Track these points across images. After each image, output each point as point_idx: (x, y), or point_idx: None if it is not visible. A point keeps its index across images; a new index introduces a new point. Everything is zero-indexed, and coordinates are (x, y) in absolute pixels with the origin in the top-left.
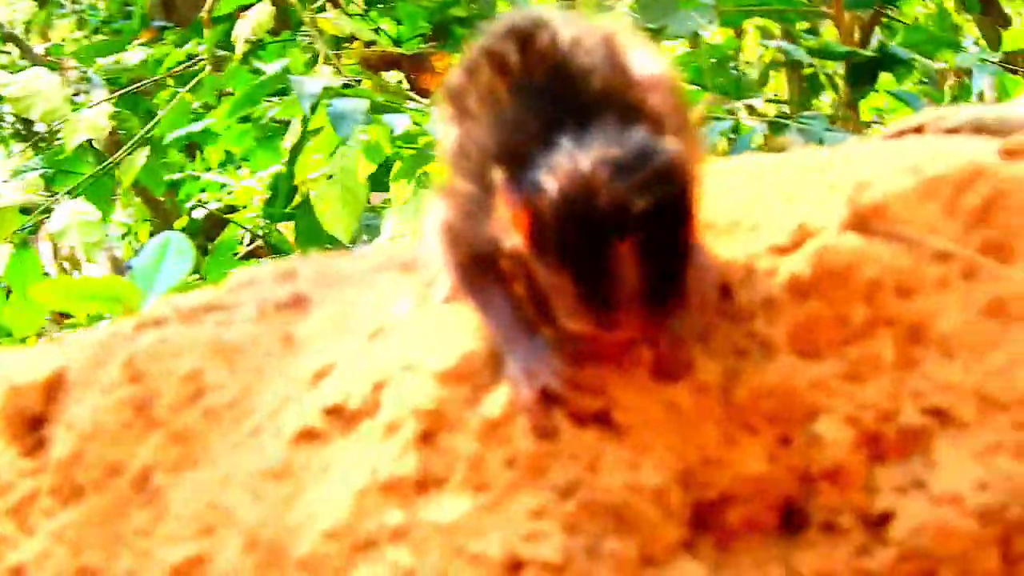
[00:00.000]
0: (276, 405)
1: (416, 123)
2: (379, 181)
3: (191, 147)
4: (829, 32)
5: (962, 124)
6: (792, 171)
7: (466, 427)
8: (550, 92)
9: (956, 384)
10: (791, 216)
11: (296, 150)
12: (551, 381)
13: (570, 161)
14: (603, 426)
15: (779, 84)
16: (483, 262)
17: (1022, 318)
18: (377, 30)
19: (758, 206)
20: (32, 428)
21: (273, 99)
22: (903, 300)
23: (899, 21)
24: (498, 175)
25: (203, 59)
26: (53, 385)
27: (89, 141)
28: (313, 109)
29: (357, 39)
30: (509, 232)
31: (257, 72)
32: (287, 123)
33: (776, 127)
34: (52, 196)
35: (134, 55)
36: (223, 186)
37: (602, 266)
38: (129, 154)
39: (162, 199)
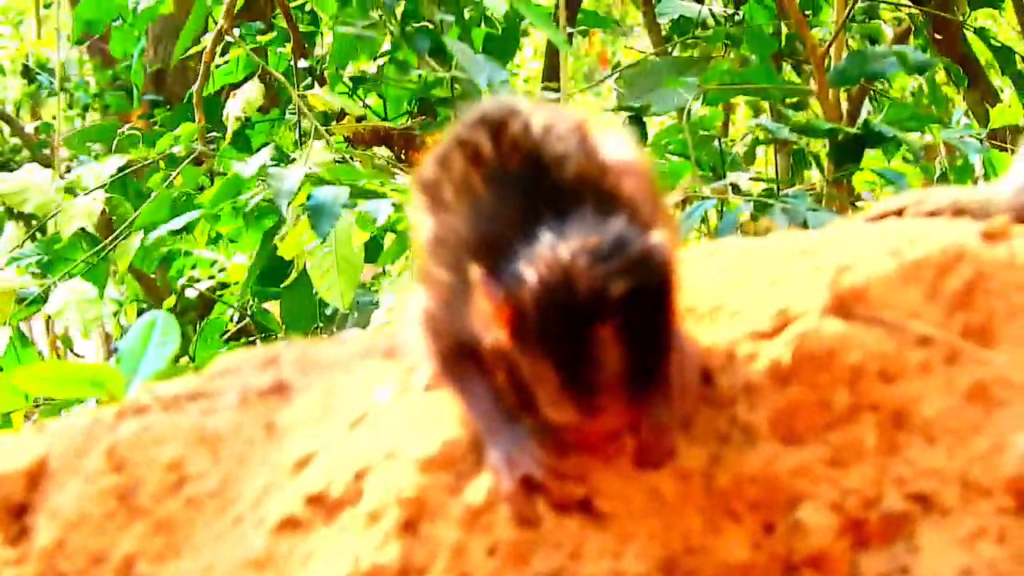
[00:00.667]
0: (259, 494)
1: (402, 205)
2: (374, 250)
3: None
4: (816, 107)
5: (942, 207)
6: (775, 254)
7: (448, 515)
8: (525, 181)
9: (939, 470)
10: (773, 300)
11: (270, 234)
12: (533, 470)
13: (549, 251)
14: (586, 514)
15: (767, 159)
16: (463, 351)
17: (1004, 402)
18: (365, 105)
19: (740, 290)
20: (15, 517)
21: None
22: (886, 385)
23: (886, 96)
24: (476, 271)
25: (194, 142)
26: (35, 473)
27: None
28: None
29: (346, 115)
30: (489, 325)
31: (247, 150)
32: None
33: (760, 207)
34: (46, 280)
35: (129, 137)
36: (214, 263)
37: (583, 352)
38: (123, 239)
39: (153, 276)
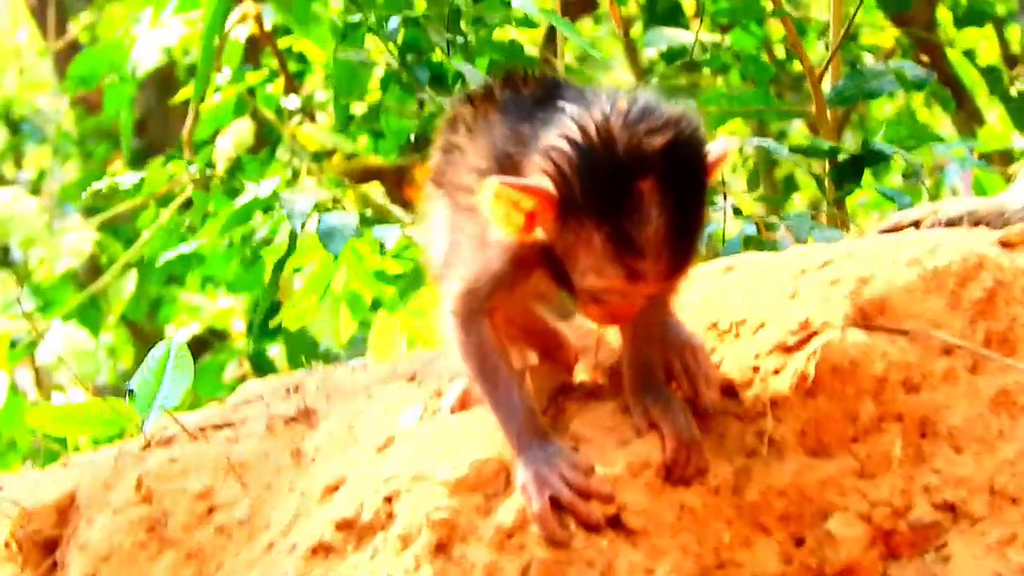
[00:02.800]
0: (289, 520)
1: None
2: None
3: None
4: (801, 131)
5: (960, 216)
6: (793, 268)
7: (480, 536)
8: (535, 99)
9: (967, 478)
10: (794, 313)
11: (280, 265)
12: (562, 490)
13: (582, 116)
14: (616, 531)
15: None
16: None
17: None
18: (376, 136)
19: (761, 304)
20: (46, 551)
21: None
22: (911, 395)
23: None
24: (498, 180)
25: (185, 180)
26: (64, 508)
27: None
28: (303, 225)
29: (337, 152)
30: (522, 228)
31: (238, 191)
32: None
33: (765, 227)
34: (33, 321)
35: (123, 180)
36: (200, 309)
37: (626, 208)
38: (117, 278)
39: (142, 322)
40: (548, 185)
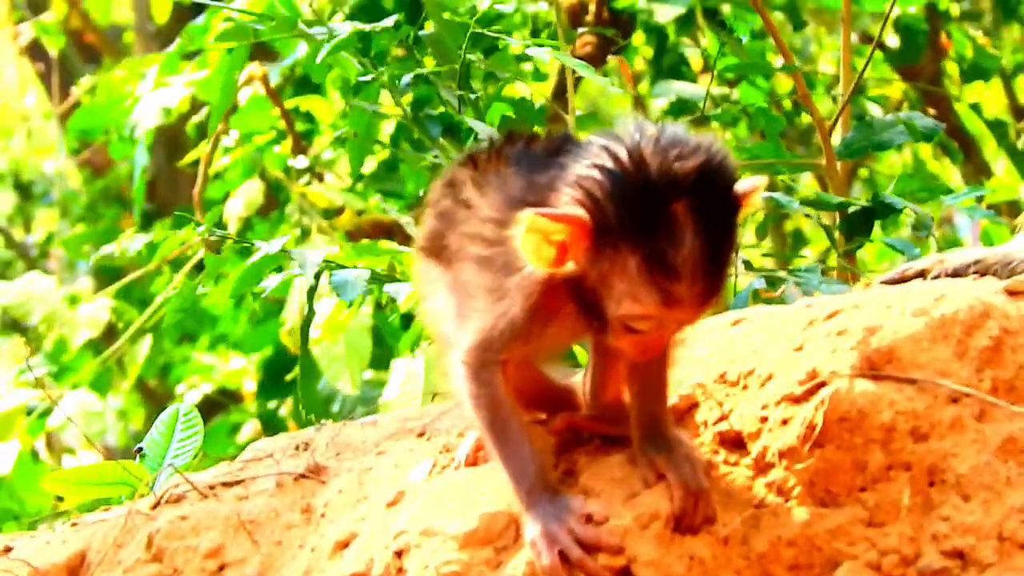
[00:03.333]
0: None
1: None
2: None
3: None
4: (811, 186)
5: (966, 266)
6: (800, 319)
7: None
8: (548, 151)
9: (975, 525)
10: (802, 364)
11: (305, 327)
12: (571, 547)
13: (614, 145)
14: None
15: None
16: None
17: None
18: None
19: (769, 355)
20: None
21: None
22: (919, 443)
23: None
24: (527, 212)
25: (197, 242)
26: (75, 568)
27: None
28: (316, 277)
29: (347, 209)
30: (551, 262)
31: (249, 251)
32: (280, 304)
33: (773, 281)
34: (52, 390)
35: (133, 243)
36: (213, 368)
37: (661, 232)
38: (132, 342)
39: (153, 384)
40: (581, 213)
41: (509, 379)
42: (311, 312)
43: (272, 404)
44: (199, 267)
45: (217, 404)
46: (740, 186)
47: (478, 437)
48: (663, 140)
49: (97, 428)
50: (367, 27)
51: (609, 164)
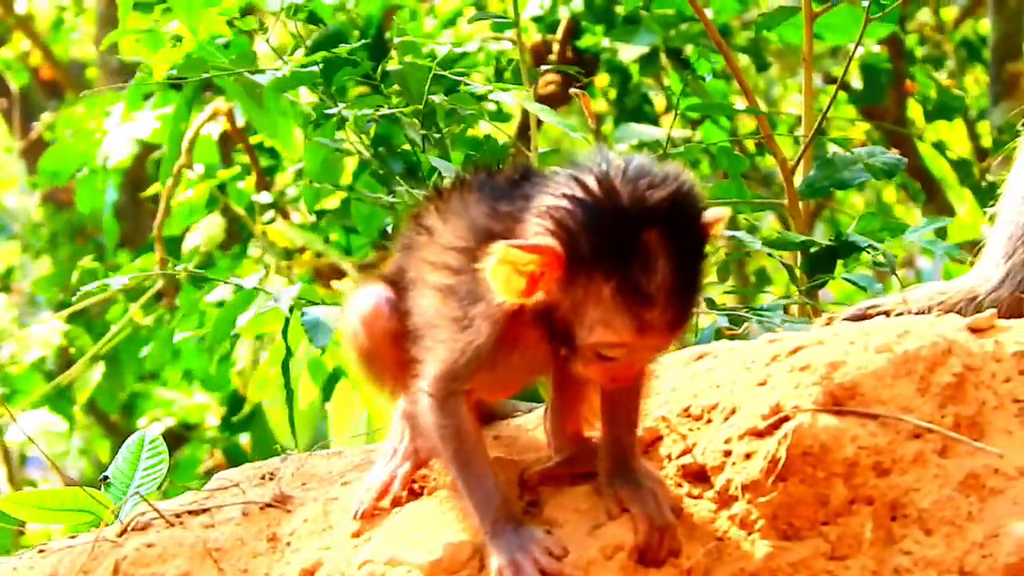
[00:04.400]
0: None
1: None
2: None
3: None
4: (773, 226)
5: (929, 306)
6: (763, 355)
7: None
8: (512, 181)
9: (937, 559)
10: (765, 399)
11: (285, 368)
12: None
13: (585, 174)
14: None
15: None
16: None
17: (998, 491)
18: (327, 240)
19: (733, 390)
20: None
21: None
22: (881, 478)
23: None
24: (498, 245)
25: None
26: None
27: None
28: (291, 311)
29: (307, 250)
30: (521, 292)
31: (203, 285)
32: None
33: (735, 320)
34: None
35: (115, 281)
36: (174, 402)
37: (634, 260)
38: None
39: (116, 418)
40: (554, 243)
41: (472, 409)
42: (289, 351)
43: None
44: (157, 298)
45: (179, 438)
46: (707, 215)
47: (379, 488)
48: (631, 170)
49: (61, 449)
50: (319, 64)
51: (579, 193)
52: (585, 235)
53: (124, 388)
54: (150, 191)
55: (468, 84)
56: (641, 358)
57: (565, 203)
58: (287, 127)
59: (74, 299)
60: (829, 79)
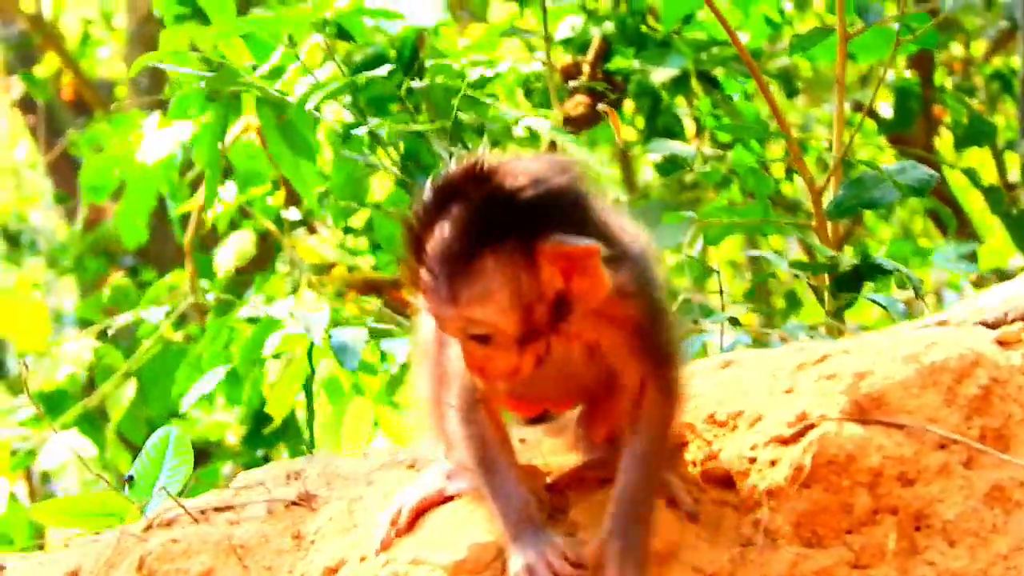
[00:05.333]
0: None
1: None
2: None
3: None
4: (800, 256)
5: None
6: (790, 363)
7: None
8: None
9: (961, 571)
10: (791, 407)
11: (308, 386)
12: None
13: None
14: None
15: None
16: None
17: (1023, 504)
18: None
19: (758, 398)
20: None
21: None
22: (905, 488)
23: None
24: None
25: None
26: None
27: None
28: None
29: (338, 265)
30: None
31: (234, 303)
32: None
33: (759, 340)
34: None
35: (152, 315)
36: (197, 421)
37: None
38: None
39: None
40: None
41: (498, 418)
42: (312, 372)
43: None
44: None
45: (201, 452)
46: (557, 238)
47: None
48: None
49: (91, 476)
50: (355, 76)
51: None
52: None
53: (150, 413)
54: (182, 209)
55: (499, 107)
56: (467, 346)
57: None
58: (308, 156)
59: (111, 330)
60: (858, 107)
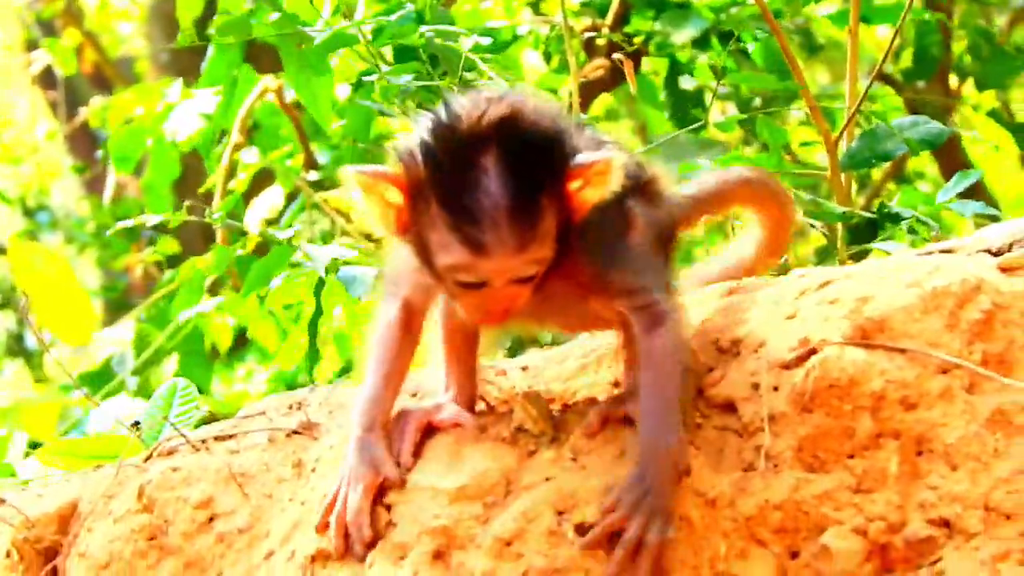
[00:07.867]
0: (289, 529)
1: None
2: None
3: None
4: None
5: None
6: (792, 290)
7: (479, 544)
8: None
9: (962, 495)
10: (793, 332)
11: (313, 325)
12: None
13: (439, 109)
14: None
15: None
16: None
17: None
18: None
19: (761, 324)
20: (46, 559)
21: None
22: (908, 412)
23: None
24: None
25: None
26: (66, 516)
27: None
28: (327, 272)
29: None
30: (389, 228)
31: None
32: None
33: None
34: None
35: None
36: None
37: (465, 182)
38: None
39: None
40: (398, 170)
41: (415, 321)
42: (319, 309)
43: None
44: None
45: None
46: (578, 159)
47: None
48: (477, 99)
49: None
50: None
51: (428, 123)
52: (425, 161)
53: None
54: (207, 184)
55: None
56: (500, 290)
57: (414, 135)
58: (327, 90)
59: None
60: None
